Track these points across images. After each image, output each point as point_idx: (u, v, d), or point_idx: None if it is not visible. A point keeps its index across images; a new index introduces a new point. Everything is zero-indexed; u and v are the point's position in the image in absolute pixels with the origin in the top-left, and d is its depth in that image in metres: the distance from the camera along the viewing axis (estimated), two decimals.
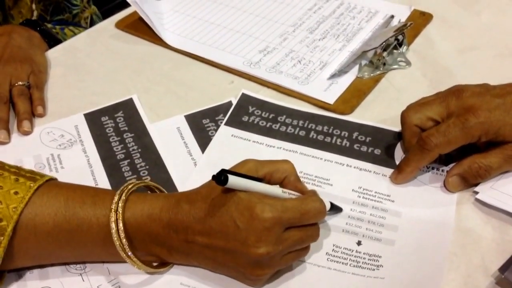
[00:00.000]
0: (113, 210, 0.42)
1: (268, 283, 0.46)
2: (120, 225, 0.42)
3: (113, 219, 0.42)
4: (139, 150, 0.58)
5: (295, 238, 0.43)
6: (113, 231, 0.42)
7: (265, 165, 0.45)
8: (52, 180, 0.46)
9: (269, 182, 0.45)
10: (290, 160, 0.47)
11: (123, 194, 0.43)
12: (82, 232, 0.43)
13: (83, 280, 0.45)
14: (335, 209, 0.50)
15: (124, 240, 0.42)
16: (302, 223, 0.43)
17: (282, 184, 0.46)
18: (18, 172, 0.45)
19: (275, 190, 0.44)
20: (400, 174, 0.53)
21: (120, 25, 0.76)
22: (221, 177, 0.40)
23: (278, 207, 0.42)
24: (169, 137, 0.59)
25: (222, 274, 0.45)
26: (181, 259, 0.45)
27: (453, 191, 0.52)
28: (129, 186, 0.45)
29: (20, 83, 0.63)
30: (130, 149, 0.58)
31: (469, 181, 0.52)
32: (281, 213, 0.41)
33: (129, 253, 0.42)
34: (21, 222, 0.42)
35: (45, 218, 0.43)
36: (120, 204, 0.43)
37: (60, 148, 0.58)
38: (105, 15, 0.87)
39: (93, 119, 0.62)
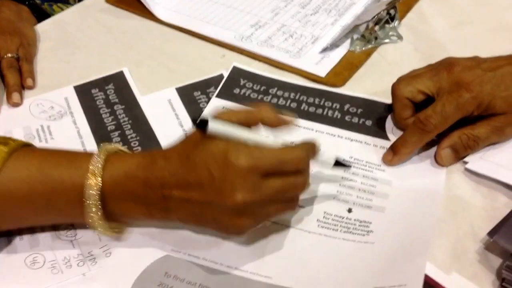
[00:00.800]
0: (90, 170, 0.42)
1: (258, 250, 0.46)
2: (99, 184, 0.41)
3: (92, 181, 0.41)
4: (130, 121, 0.58)
5: (276, 186, 0.41)
6: (90, 191, 0.41)
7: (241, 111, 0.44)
8: (28, 146, 0.46)
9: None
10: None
11: (101, 154, 0.43)
12: (58, 195, 0.42)
13: (74, 247, 0.45)
14: (342, 165, 0.48)
15: (98, 201, 0.42)
16: (281, 171, 0.42)
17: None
18: None
19: (259, 136, 0.42)
20: (396, 155, 0.52)
21: None
22: (202, 121, 0.38)
23: (254, 154, 0.40)
24: (160, 109, 0.59)
25: (204, 227, 0.45)
26: (161, 216, 0.44)
27: (445, 164, 0.52)
28: (108, 147, 0.44)
29: (9, 55, 0.63)
30: (121, 121, 0.58)
31: (460, 153, 0.52)
32: (256, 160, 0.40)
33: (99, 213, 0.42)
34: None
35: (19, 182, 0.42)
36: (98, 165, 0.42)
37: (50, 120, 0.58)
38: None
39: (83, 92, 0.61)
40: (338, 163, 0.47)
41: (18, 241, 0.46)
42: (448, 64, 0.53)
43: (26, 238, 0.46)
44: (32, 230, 0.47)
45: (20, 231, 0.47)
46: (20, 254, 0.45)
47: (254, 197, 0.40)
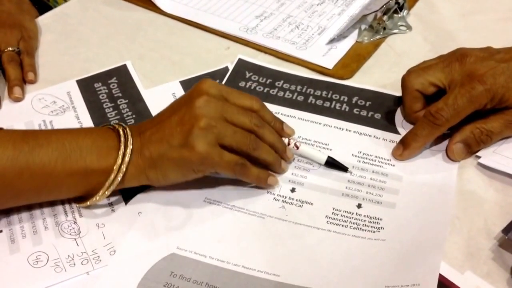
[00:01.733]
0: (120, 154, 0.44)
1: (266, 247, 0.45)
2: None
3: (119, 161, 0.44)
4: (134, 116, 0.56)
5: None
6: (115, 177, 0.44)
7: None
8: (5, 131, 0.46)
9: None
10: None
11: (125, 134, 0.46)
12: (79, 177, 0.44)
13: (78, 245, 0.44)
14: (335, 166, 0.50)
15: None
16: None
17: None
18: None
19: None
20: (407, 149, 0.51)
21: None
22: None
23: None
24: (164, 102, 0.56)
25: (177, 174, 0.46)
26: (146, 164, 0.45)
27: (457, 159, 0.50)
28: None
29: (10, 48, 0.61)
30: (124, 115, 0.57)
31: (472, 148, 0.51)
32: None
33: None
34: None
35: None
36: (126, 158, 0.44)
37: (53, 115, 0.57)
38: None
39: (86, 86, 0.60)
40: (331, 164, 0.50)
41: (21, 239, 0.45)
42: (460, 55, 0.51)
43: (29, 236, 0.45)
44: (35, 228, 0.46)
45: (23, 229, 0.46)
46: (23, 253, 0.44)
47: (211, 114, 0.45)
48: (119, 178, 0.44)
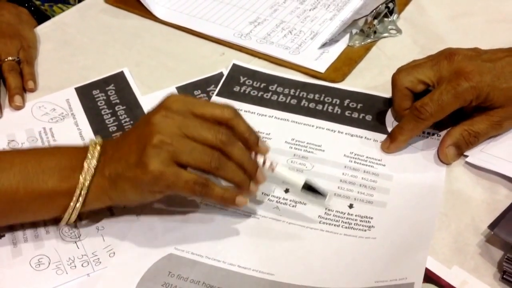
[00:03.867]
0: (82, 174, 0.43)
1: (260, 247, 0.46)
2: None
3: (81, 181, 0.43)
4: (131, 122, 0.58)
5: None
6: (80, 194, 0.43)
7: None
8: None
9: None
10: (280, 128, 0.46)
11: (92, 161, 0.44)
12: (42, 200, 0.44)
13: (78, 248, 0.46)
14: (313, 190, 0.46)
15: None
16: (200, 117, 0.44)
17: None
18: None
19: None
20: (393, 143, 0.53)
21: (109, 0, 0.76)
22: None
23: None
24: None
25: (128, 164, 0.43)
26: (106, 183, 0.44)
27: (450, 162, 0.52)
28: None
29: (10, 58, 0.63)
30: (122, 121, 0.58)
31: (462, 150, 0.52)
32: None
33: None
34: None
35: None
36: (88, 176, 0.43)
37: (52, 122, 0.58)
38: None
39: (85, 93, 0.62)
40: (309, 188, 0.46)
41: (23, 243, 0.46)
42: (448, 53, 0.53)
43: (30, 240, 0.47)
44: (36, 232, 0.47)
45: (25, 233, 0.47)
46: (25, 256, 0.45)
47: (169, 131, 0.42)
48: (81, 200, 0.43)
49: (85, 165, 0.43)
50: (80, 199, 0.43)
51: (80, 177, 0.43)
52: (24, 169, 0.43)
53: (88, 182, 0.43)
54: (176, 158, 0.42)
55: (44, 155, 0.45)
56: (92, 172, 0.43)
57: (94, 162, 0.43)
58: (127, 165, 0.42)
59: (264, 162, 0.46)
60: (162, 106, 0.44)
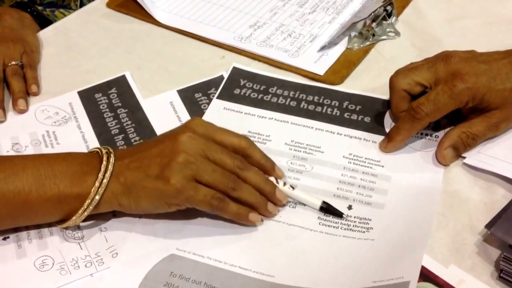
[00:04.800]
0: (100, 177, 0.45)
1: (261, 249, 0.47)
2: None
3: (97, 184, 0.45)
4: (133, 125, 0.59)
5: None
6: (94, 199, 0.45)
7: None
8: None
9: None
10: (280, 130, 0.47)
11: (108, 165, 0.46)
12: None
13: (81, 249, 0.47)
14: (331, 212, 0.49)
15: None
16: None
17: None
18: None
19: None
20: (390, 142, 0.54)
21: (111, 4, 0.77)
22: None
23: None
24: (163, 111, 0.60)
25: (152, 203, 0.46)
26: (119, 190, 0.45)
27: (448, 164, 0.52)
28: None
29: (14, 62, 0.64)
30: (124, 124, 0.59)
31: (460, 151, 0.53)
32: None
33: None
34: None
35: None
36: (105, 181, 0.45)
37: (55, 125, 0.59)
38: None
39: (87, 96, 0.62)
40: (326, 210, 0.49)
41: (27, 244, 0.47)
42: (445, 56, 0.54)
43: (34, 241, 0.47)
44: (40, 233, 0.48)
45: (29, 235, 0.48)
46: (30, 257, 0.46)
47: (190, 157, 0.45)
48: (95, 202, 0.45)
49: (102, 169, 0.45)
50: (93, 202, 0.45)
51: (96, 182, 0.45)
52: (36, 172, 0.45)
53: (104, 186, 0.45)
54: (198, 176, 0.45)
55: (56, 160, 0.47)
56: (108, 177, 0.45)
57: (110, 167, 0.45)
58: (147, 175, 0.45)
59: (284, 184, 0.50)
60: (188, 127, 0.47)
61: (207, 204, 0.45)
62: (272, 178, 0.50)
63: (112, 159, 0.46)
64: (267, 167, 0.50)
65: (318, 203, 0.49)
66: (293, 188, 0.50)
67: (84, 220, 0.48)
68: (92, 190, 0.45)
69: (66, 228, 0.48)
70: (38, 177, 0.45)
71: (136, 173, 0.45)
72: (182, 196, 0.44)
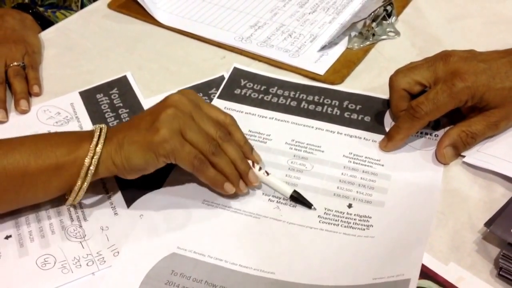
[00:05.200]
0: (94, 141, 0.47)
1: (261, 247, 0.47)
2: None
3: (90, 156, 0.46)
4: None
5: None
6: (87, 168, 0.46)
7: None
8: None
9: None
10: (281, 129, 0.50)
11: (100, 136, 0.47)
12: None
13: (83, 247, 0.47)
14: (301, 202, 0.50)
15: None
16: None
17: None
18: None
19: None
20: (390, 141, 0.54)
21: (112, 5, 0.77)
22: None
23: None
24: None
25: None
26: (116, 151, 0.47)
27: (448, 162, 0.53)
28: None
29: (15, 63, 0.64)
30: None
31: (460, 150, 0.53)
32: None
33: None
34: None
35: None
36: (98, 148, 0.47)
37: (57, 125, 0.60)
38: None
39: (89, 97, 0.63)
40: (295, 199, 0.50)
41: (29, 243, 0.47)
42: (444, 55, 0.54)
43: (36, 240, 0.48)
44: (42, 232, 0.48)
45: (31, 234, 0.48)
46: (32, 256, 0.47)
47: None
48: (94, 164, 0.46)
49: (96, 133, 0.47)
50: (92, 166, 0.46)
51: (93, 143, 0.46)
52: (33, 145, 0.47)
53: (100, 149, 0.46)
54: (183, 132, 0.47)
55: (52, 134, 0.50)
56: (102, 141, 0.47)
57: (104, 132, 0.47)
58: (137, 130, 0.47)
59: (260, 169, 0.51)
60: (179, 92, 0.51)
61: (189, 162, 0.47)
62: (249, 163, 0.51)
63: (105, 127, 0.48)
64: (245, 149, 0.51)
65: (289, 192, 0.50)
66: (267, 174, 0.51)
67: (85, 219, 0.48)
68: (88, 155, 0.46)
69: (73, 206, 0.49)
70: (36, 149, 0.46)
71: (128, 131, 0.47)
72: (168, 146, 0.46)
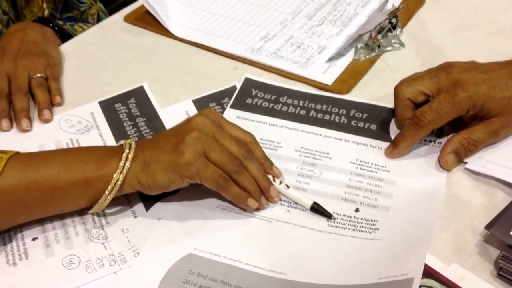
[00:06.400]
0: (123, 158, 0.49)
1: (274, 248, 0.50)
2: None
3: (122, 163, 0.49)
4: (152, 133, 0.62)
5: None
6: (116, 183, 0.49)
7: None
8: (18, 153, 0.50)
9: None
10: (290, 137, 0.52)
11: (130, 150, 0.50)
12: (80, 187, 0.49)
13: (106, 248, 0.50)
14: (321, 212, 0.52)
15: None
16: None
17: None
18: None
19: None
20: (396, 149, 0.57)
21: (128, 18, 0.80)
22: None
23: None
24: (179, 120, 0.62)
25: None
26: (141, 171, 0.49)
27: (450, 169, 0.55)
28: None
29: (38, 75, 0.67)
30: (143, 132, 0.62)
31: (462, 157, 0.56)
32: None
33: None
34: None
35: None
36: (127, 164, 0.49)
37: (78, 133, 0.63)
38: (110, 12, 0.92)
39: (107, 106, 0.66)
40: (316, 210, 0.52)
41: (55, 244, 0.50)
42: (446, 66, 0.56)
43: (62, 242, 0.51)
44: (67, 234, 0.51)
45: (56, 236, 0.51)
46: (58, 256, 0.49)
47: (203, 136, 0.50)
48: (120, 182, 0.48)
49: (124, 152, 0.49)
50: (118, 182, 0.48)
51: (120, 163, 0.49)
52: (64, 160, 0.49)
53: (127, 167, 0.49)
54: (208, 153, 0.49)
55: (82, 149, 0.53)
56: (130, 159, 0.49)
57: (132, 151, 0.50)
58: (163, 151, 0.49)
59: (280, 183, 0.53)
60: (202, 113, 0.53)
61: (213, 181, 0.49)
62: (270, 177, 0.53)
63: (133, 145, 0.50)
64: (265, 165, 0.54)
65: (309, 203, 0.52)
66: (287, 187, 0.53)
67: (107, 222, 0.51)
68: (116, 171, 0.48)
69: (95, 213, 0.51)
70: (66, 163, 0.49)
71: (153, 151, 0.50)
72: (193, 168, 0.48)
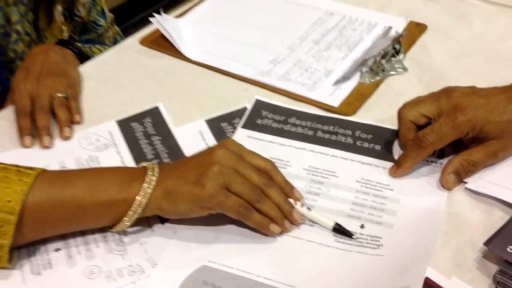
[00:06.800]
0: (146, 183, 0.51)
1: (284, 261, 0.52)
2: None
3: (145, 187, 0.51)
4: (167, 151, 0.65)
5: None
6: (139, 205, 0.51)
7: None
8: (46, 171, 0.52)
9: None
10: (299, 156, 0.55)
11: (154, 172, 0.52)
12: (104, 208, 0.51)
13: (124, 259, 0.53)
14: (342, 232, 0.54)
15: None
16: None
17: None
18: (17, 165, 0.52)
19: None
20: (399, 168, 0.60)
21: (144, 41, 0.84)
22: None
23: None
24: (192, 139, 0.67)
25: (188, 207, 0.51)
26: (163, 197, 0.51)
27: (451, 188, 0.58)
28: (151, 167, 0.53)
29: (59, 95, 0.71)
30: (159, 150, 0.65)
31: (462, 177, 0.58)
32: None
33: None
34: (26, 204, 0.49)
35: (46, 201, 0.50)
36: (152, 185, 0.51)
37: (97, 151, 0.66)
38: (123, 32, 0.99)
39: (124, 125, 0.69)
40: (337, 230, 0.54)
41: (77, 255, 0.53)
42: (447, 90, 0.60)
43: (83, 252, 0.53)
44: (88, 246, 0.54)
45: (78, 247, 0.54)
46: (79, 267, 0.52)
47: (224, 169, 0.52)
48: (143, 205, 0.50)
49: (147, 177, 0.51)
50: (141, 205, 0.51)
51: (142, 188, 0.51)
52: (89, 181, 0.52)
53: (149, 192, 0.51)
54: (229, 185, 0.51)
55: (106, 170, 0.54)
56: (153, 185, 0.51)
57: (155, 177, 0.52)
58: (185, 182, 0.51)
59: (302, 205, 0.55)
60: (223, 145, 0.54)
61: (235, 211, 0.51)
62: (291, 201, 0.55)
63: (156, 170, 0.52)
64: (286, 190, 0.55)
65: (331, 224, 0.54)
66: (309, 209, 0.56)
67: (125, 235, 0.54)
68: (138, 195, 0.51)
69: (117, 231, 0.54)
70: (91, 184, 0.51)
71: (176, 180, 0.51)
72: (215, 200, 0.50)
